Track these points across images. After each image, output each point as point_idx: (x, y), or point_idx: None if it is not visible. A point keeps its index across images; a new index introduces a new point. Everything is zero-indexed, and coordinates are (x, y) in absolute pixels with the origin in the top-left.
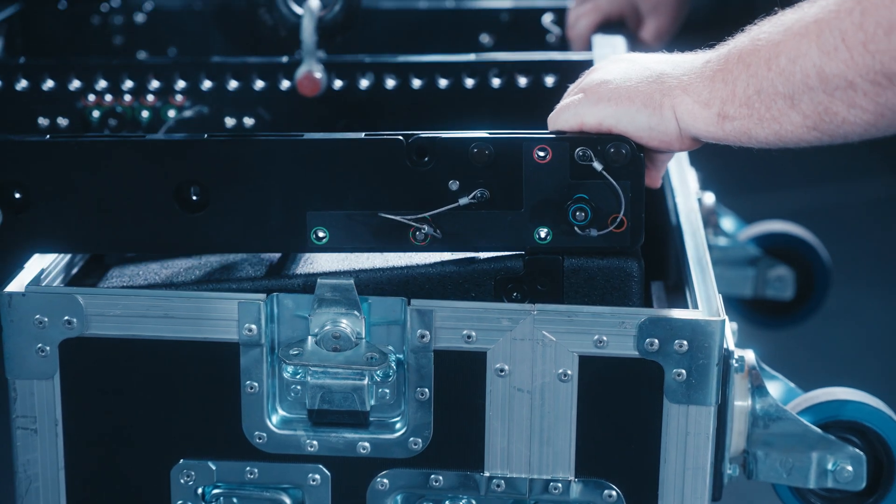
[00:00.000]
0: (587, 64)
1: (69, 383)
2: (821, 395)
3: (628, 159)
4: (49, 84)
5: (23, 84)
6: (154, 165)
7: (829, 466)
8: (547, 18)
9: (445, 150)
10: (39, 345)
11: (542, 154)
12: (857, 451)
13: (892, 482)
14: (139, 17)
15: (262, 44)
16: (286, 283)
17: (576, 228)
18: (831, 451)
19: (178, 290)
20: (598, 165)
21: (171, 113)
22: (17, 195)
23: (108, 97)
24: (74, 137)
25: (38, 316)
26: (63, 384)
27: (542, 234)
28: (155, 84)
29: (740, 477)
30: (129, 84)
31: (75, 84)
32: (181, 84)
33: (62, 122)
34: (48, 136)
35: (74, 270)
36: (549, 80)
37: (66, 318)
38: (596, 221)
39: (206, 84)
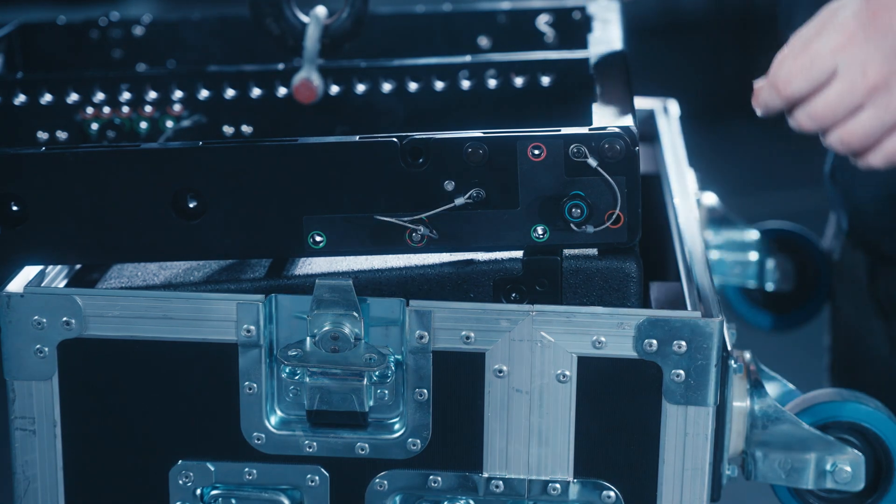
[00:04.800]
0: (583, 63)
1: (68, 384)
2: (819, 396)
3: (623, 154)
4: (47, 98)
5: (21, 99)
6: (150, 174)
7: (828, 467)
8: (542, 20)
9: (440, 151)
10: (38, 346)
11: (536, 152)
12: (856, 451)
13: (890, 482)
14: (137, 30)
15: (259, 52)
16: (285, 283)
17: (572, 225)
18: (830, 451)
19: (176, 290)
20: (592, 162)
21: (169, 123)
22: (14, 207)
23: (106, 109)
24: (70, 148)
25: (36, 317)
26: (61, 385)
27: (539, 232)
28: (152, 95)
29: (739, 478)
30: (126, 96)
31: (73, 97)
32: (178, 94)
33: (61, 135)
34: (44, 149)
35: (73, 271)
36: (546, 80)
37: (65, 318)
38: (592, 218)
39: (203, 93)
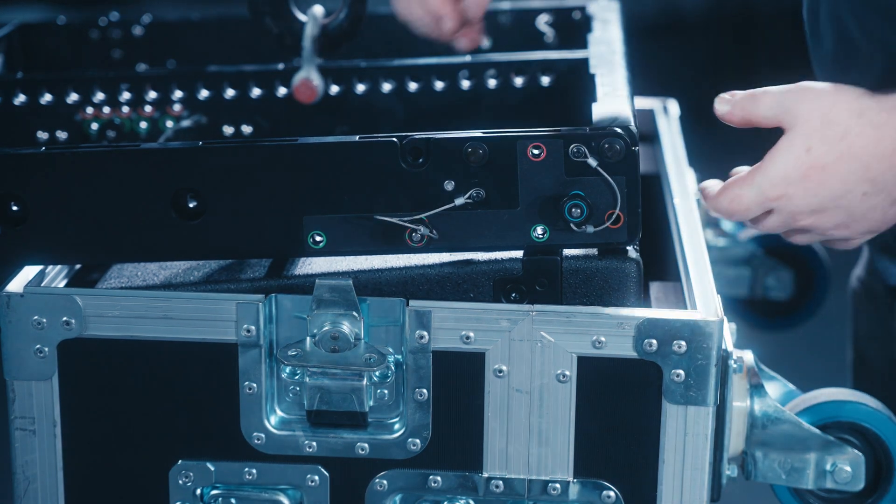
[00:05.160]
0: (583, 63)
1: (67, 384)
2: (819, 396)
3: (623, 154)
4: (47, 98)
5: (21, 99)
6: (150, 174)
7: (828, 467)
8: (542, 20)
9: (440, 151)
10: (38, 346)
11: (536, 152)
12: (856, 451)
13: (890, 482)
14: (137, 31)
15: (259, 52)
16: (285, 283)
17: (572, 225)
18: (830, 451)
19: (176, 290)
20: (592, 161)
21: (169, 123)
22: (14, 207)
23: (106, 109)
24: (70, 148)
25: (36, 317)
26: (61, 385)
27: (539, 232)
28: (152, 95)
29: (739, 477)
30: (126, 96)
31: (73, 97)
32: (178, 94)
33: (61, 135)
34: (43, 149)
35: (73, 271)
36: (546, 80)
37: (65, 318)
38: (592, 218)
39: (203, 93)
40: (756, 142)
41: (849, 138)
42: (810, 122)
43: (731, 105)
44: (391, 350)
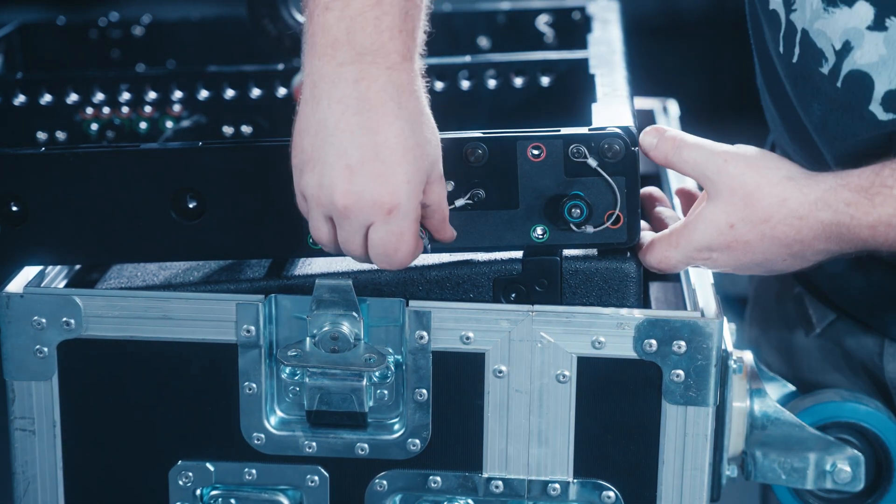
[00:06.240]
0: (583, 63)
1: (67, 384)
2: (819, 397)
3: (622, 155)
4: (46, 98)
5: (20, 99)
6: (150, 174)
7: (828, 467)
8: (541, 20)
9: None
10: (37, 346)
11: (536, 152)
12: (856, 451)
13: (890, 482)
14: (137, 31)
15: (259, 52)
16: (285, 283)
17: (572, 226)
18: (829, 452)
19: (176, 291)
20: (592, 162)
21: (169, 124)
22: (14, 208)
23: (106, 109)
24: (70, 149)
25: (36, 317)
26: (61, 385)
27: (539, 233)
28: (152, 95)
29: (739, 478)
30: (126, 96)
31: (73, 97)
32: (178, 94)
33: (60, 135)
34: (43, 149)
35: (73, 271)
36: (545, 80)
37: (65, 319)
38: (592, 218)
39: (203, 94)
40: (757, 141)
41: (771, 223)
42: (733, 201)
43: (658, 140)
44: (391, 350)
